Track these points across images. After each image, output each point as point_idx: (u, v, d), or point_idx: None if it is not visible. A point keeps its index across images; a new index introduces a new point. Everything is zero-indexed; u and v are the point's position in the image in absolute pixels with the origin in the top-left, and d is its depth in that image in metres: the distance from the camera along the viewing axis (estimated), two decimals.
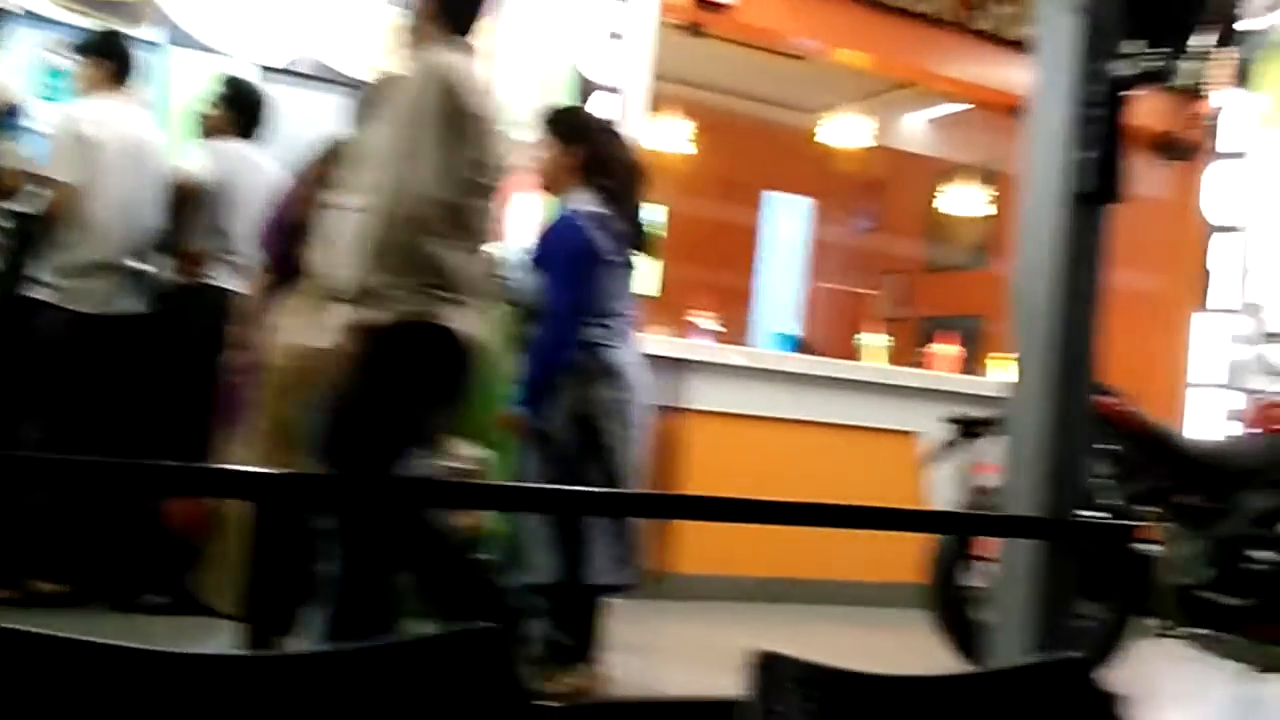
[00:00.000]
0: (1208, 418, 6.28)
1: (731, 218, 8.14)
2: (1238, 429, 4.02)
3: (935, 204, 8.24)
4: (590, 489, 3.19)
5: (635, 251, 3.60)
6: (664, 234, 5.11)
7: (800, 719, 1.12)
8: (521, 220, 4.49)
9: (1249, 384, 6.25)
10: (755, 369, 5.25)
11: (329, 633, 2.62)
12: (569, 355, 3.37)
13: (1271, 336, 7.36)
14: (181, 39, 4.67)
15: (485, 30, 3.00)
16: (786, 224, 7.07)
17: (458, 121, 2.65)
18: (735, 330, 6.45)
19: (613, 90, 4.82)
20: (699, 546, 4.94)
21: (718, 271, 7.47)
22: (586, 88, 4.79)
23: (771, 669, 1.15)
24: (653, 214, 3.64)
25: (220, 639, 2.90)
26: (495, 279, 3.53)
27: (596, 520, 3.31)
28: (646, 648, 4.07)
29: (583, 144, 3.57)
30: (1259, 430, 3.87)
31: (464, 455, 3.53)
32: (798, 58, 6.28)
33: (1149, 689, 4.29)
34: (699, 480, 4.94)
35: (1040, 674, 1.34)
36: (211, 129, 4.22)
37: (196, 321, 3.96)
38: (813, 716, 1.12)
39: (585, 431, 3.38)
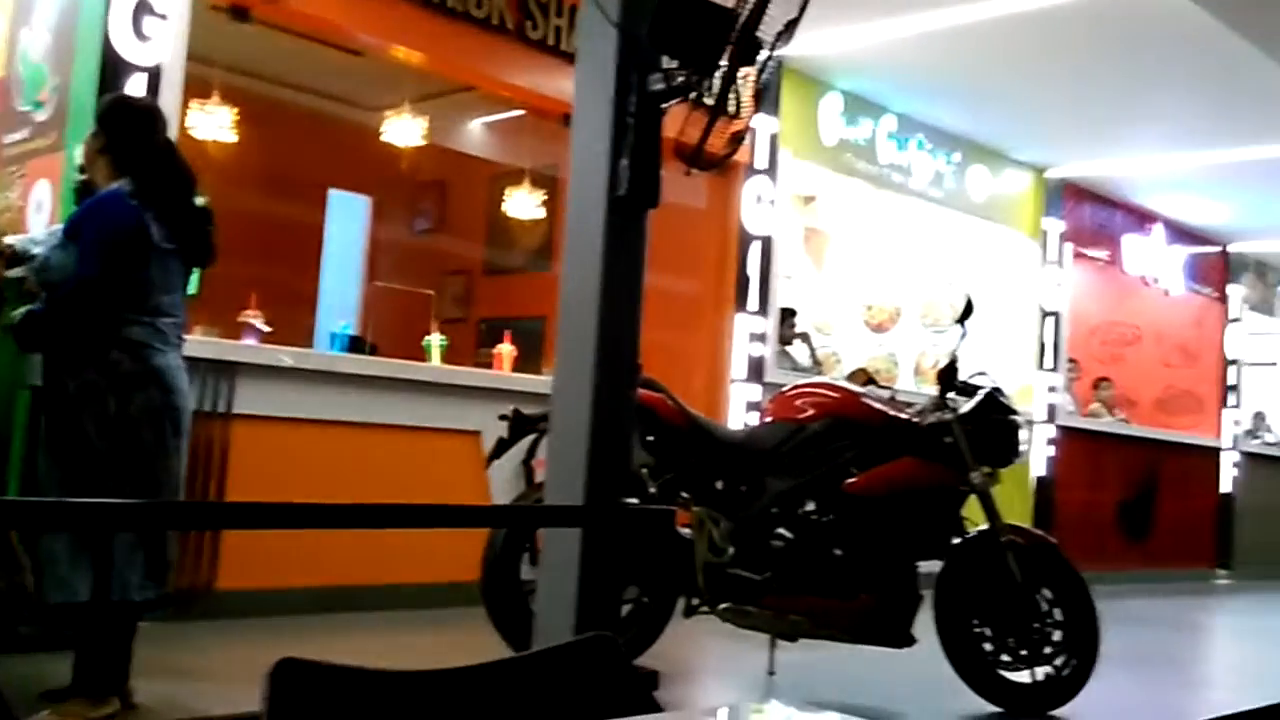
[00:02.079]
0: (742, 409, 6.88)
1: (289, 214, 7.83)
2: (765, 419, 4.40)
3: (495, 206, 8.40)
4: (121, 500, 2.92)
5: (191, 248, 3.35)
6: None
7: None
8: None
9: (772, 378, 6.94)
10: (308, 370, 5.06)
11: None
12: (68, 330, 3.09)
13: (800, 336, 8.22)
14: None
15: None
16: (345, 222, 6.91)
17: None
18: (295, 331, 6.20)
19: (149, 72, 4.45)
20: (246, 559, 4.69)
21: (275, 269, 7.15)
22: (118, 68, 4.39)
23: (289, 677, 1.09)
24: (204, 214, 3.39)
25: None
26: None
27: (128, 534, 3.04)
28: (187, 671, 3.80)
29: (117, 129, 3.30)
30: (780, 419, 4.26)
31: None
32: (357, 53, 6.14)
33: (687, 664, 4.62)
34: (247, 489, 4.68)
35: (569, 655, 1.37)
36: None
37: None
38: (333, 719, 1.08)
39: (124, 439, 3.10)
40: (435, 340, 5.92)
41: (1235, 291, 11.48)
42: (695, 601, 4.08)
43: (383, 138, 7.27)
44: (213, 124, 6.56)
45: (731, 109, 3.51)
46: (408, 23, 5.50)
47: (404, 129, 7.15)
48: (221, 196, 4.08)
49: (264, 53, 6.48)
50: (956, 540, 4.12)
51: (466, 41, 5.69)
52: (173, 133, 3.95)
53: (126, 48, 4.42)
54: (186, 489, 3.56)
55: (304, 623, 4.63)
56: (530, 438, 4.13)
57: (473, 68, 5.96)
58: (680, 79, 3.23)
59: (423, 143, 7.30)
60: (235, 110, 6.70)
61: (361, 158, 7.80)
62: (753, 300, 7.03)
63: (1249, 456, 11.43)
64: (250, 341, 5.15)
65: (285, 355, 5.01)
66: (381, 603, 5.05)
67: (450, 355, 6.03)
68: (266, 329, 5.32)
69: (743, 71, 3.47)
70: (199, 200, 3.39)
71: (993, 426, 4.16)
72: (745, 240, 7.02)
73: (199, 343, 4.50)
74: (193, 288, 3.62)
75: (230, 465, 4.75)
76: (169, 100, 4.52)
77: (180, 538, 3.44)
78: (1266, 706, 4.56)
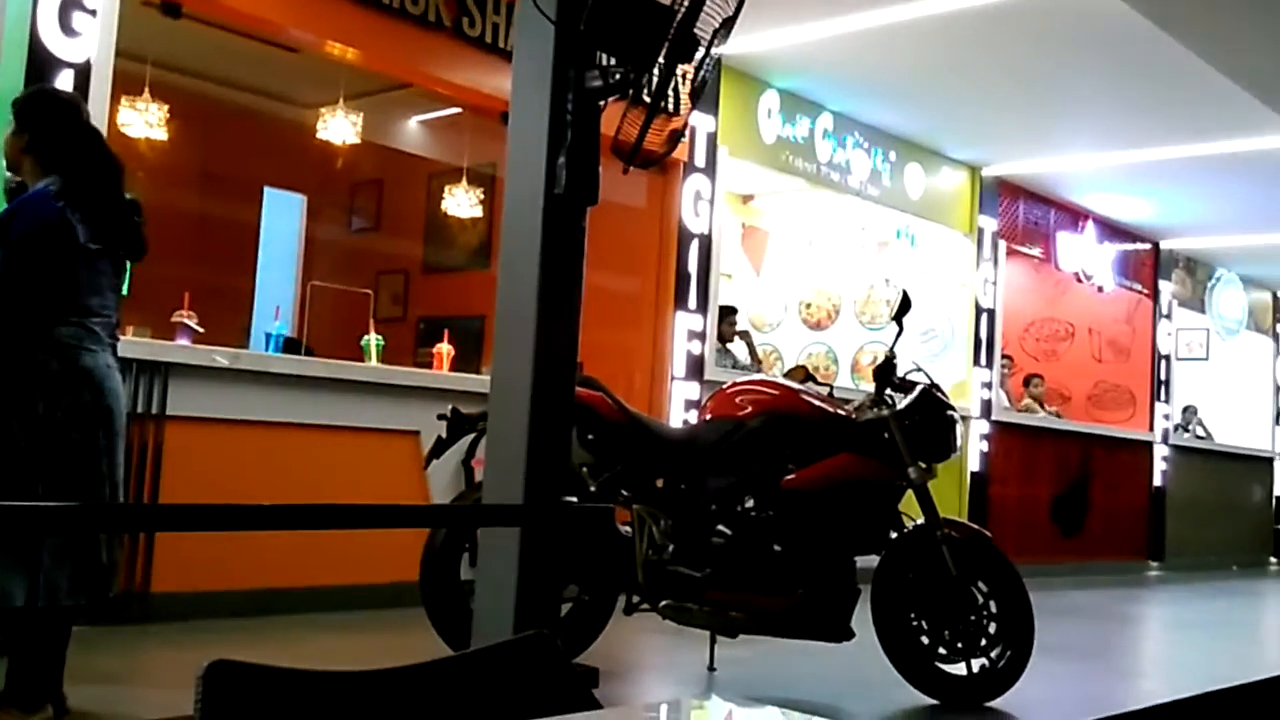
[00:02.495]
0: (682, 407, 6.90)
1: (222, 213, 7.72)
2: (704, 416, 4.42)
3: (433, 205, 8.35)
4: (45, 504, 2.85)
5: (121, 244, 3.28)
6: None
7: None
8: None
9: (712, 376, 6.97)
10: (242, 371, 4.99)
11: None
12: None
13: (740, 334, 8.27)
14: None
15: None
16: (281, 221, 6.83)
17: None
18: (230, 331, 6.10)
19: (78, 68, 4.36)
20: (181, 562, 4.62)
21: (208, 269, 7.05)
22: (46, 64, 4.29)
23: (222, 679, 1.07)
24: (133, 207, 3.33)
25: None
26: None
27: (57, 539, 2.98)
28: (122, 676, 3.73)
29: (39, 125, 3.24)
30: (719, 416, 4.28)
31: None
32: (291, 50, 6.07)
33: (627, 661, 4.63)
34: (181, 491, 4.61)
35: (507, 654, 1.37)
36: None
37: None
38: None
39: (51, 441, 3.03)
40: (373, 340, 5.86)
41: (1166, 288, 11.74)
42: (635, 599, 4.09)
43: (318, 135, 7.19)
44: (144, 122, 6.45)
45: (670, 107, 3.52)
46: (343, 19, 5.44)
47: (340, 127, 7.08)
48: (154, 195, 4.02)
49: (196, 49, 6.38)
50: (894, 535, 4.17)
51: (402, 38, 5.65)
52: (103, 131, 3.87)
53: (54, 43, 4.33)
54: (123, 490, 3.49)
55: (241, 626, 4.58)
56: (469, 437, 4.11)
57: (409, 65, 5.92)
58: (618, 76, 3.23)
59: (359, 141, 7.23)
60: (167, 108, 6.60)
61: (297, 156, 7.71)
62: (692, 298, 7.05)
63: (1179, 450, 11.70)
64: (183, 342, 5.06)
65: (220, 356, 4.94)
66: (320, 605, 5.00)
67: (388, 355, 5.98)
68: (200, 329, 5.24)
69: (680, 69, 3.47)
70: (128, 194, 3.33)
71: (929, 422, 4.21)
72: (684, 238, 7.04)
73: (131, 343, 4.43)
74: (124, 286, 3.56)
75: (164, 467, 4.68)
76: (99, 97, 4.43)
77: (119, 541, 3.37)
78: (1197, 695, 4.67)
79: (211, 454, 4.83)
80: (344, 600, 5.08)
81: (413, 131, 8.13)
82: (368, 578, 5.07)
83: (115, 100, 5.43)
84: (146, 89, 6.50)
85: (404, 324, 8.51)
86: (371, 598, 5.08)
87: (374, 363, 5.78)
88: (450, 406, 4.12)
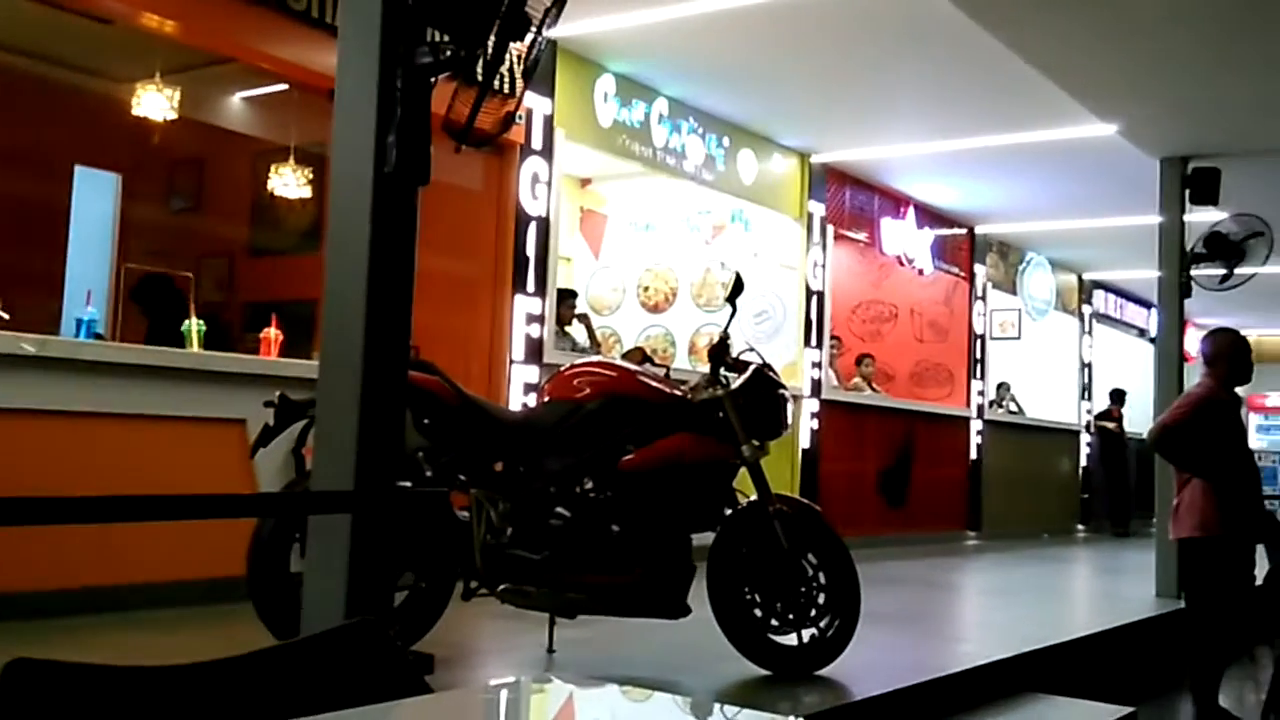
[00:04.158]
0: (520, 390, 6.87)
1: (29, 193, 7.27)
2: (543, 399, 4.40)
3: (258, 185, 8.06)
4: None
5: None
6: None
7: None
8: None
9: (551, 358, 6.96)
10: (52, 359, 4.72)
11: None
12: None
13: (579, 318, 8.28)
14: None
15: None
16: (93, 201, 6.48)
17: None
18: (38, 317, 5.76)
19: None
20: None
21: (14, 252, 6.64)
22: None
23: (21, 677, 1.01)
24: None
25: None
26: None
27: None
28: None
29: None
30: (557, 399, 4.27)
31: None
32: (105, 21, 5.76)
33: (465, 646, 4.59)
34: None
35: (333, 642, 1.33)
36: None
37: None
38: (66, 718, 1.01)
39: None
40: (194, 325, 5.63)
41: (980, 271, 12.30)
42: (473, 584, 4.06)
43: (134, 111, 6.84)
44: None
45: (505, 88, 3.49)
46: None
47: (157, 102, 6.75)
48: None
49: (1, 19, 5.99)
50: (728, 512, 4.24)
51: (223, 12, 5.43)
52: None
53: None
54: None
55: (54, 627, 4.34)
56: (299, 424, 3.99)
57: (231, 39, 5.69)
58: (449, 53, 3.17)
59: (176, 117, 6.92)
60: None
61: (111, 133, 7.32)
62: (530, 281, 7.02)
63: (993, 425, 12.29)
64: None
65: (27, 343, 4.66)
66: (141, 603, 4.79)
67: (212, 340, 5.75)
68: (4, 315, 4.94)
69: (513, 48, 3.44)
70: None
71: (761, 401, 4.30)
72: (522, 221, 7.00)
73: None
74: None
75: None
76: None
77: None
78: (1011, 657, 4.93)
79: (19, 448, 4.56)
80: (166, 597, 4.88)
81: (236, 108, 7.82)
82: (191, 573, 4.88)
83: None
84: None
85: (229, 309, 8.20)
86: (196, 593, 4.89)
87: (195, 349, 5.55)
88: (278, 393, 3.99)
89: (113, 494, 1.65)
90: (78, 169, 7.13)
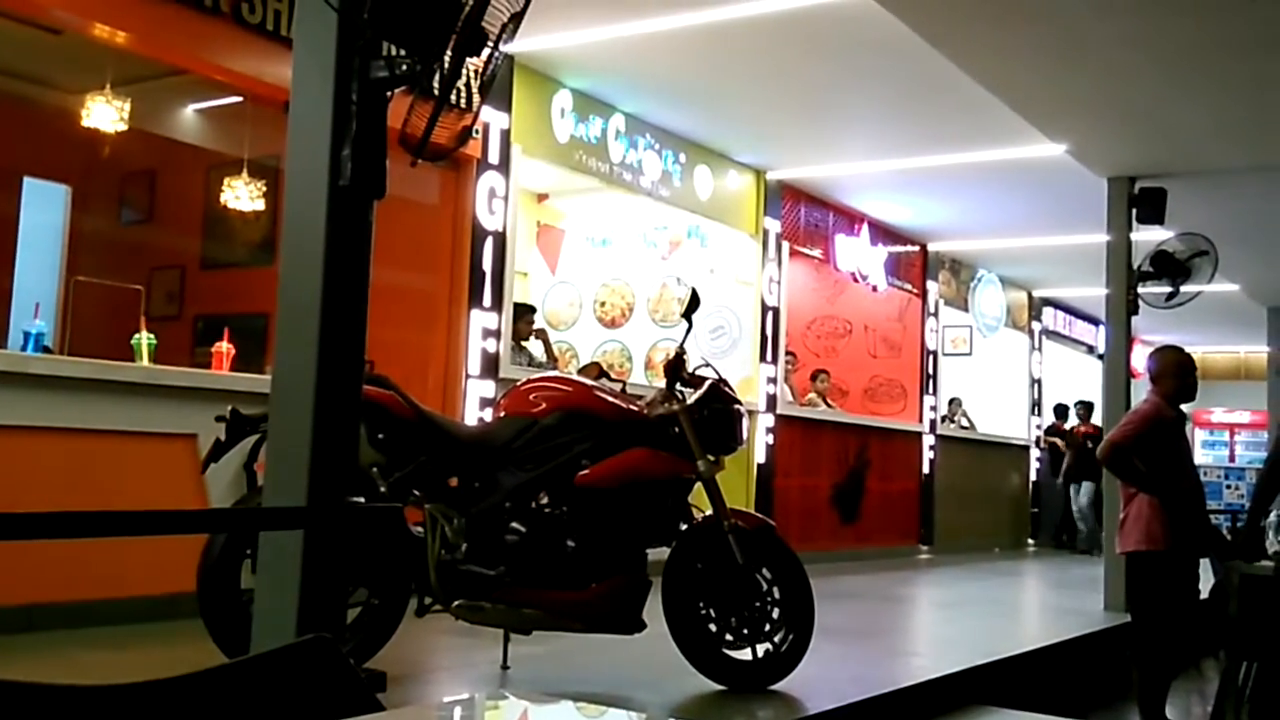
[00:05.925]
0: (477, 406, 6.85)
1: None
2: (499, 414, 4.38)
3: (211, 198, 7.97)
4: None
5: None
6: None
7: None
8: None
9: (508, 373, 6.94)
10: None
11: None
12: None
13: (536, 333, 8.26)
14: None
15: None
16: (42, 213, 6.39)
17: None
18: None
19: None
20: None
21: None
22: None
23: None
24: None
25: None
26: None
27: None
28: None
29: None
30: (513, 414, 4.26)
31: None
32: (55, 31, 5.68)
33: (419, 664, 4.56)
34: None
35: (283, 660, 1.32)
36: None
37: None
38: None
39: None
40: (144, 338, 5.55)
41: (933, 288, 12.43)
42: (428, 600, 4.03)
43: (84, 122, 6.75)
44: None
45: (461, 102, 3.49)
46: (111, 0, 5.14)
47: (107, 113, 6.66)
48: None
49: None
50: (684, 527, 4.25)
51: (176, 23, 5.37)
52: None
53: None
54: None
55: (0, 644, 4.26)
56: (251, 439, 3.95)
57: (183, 51, 5.64)
58: (405, 67, 3.17)
59: (127, 128, 6.83)
60: None
61: (60, 144, 7.22)
62: (487, 296, 7.00)
63: (945, 440, 12.41)
64: None
65: None
66: (88, 620, 4.71)
67: (162, 354, 5.67)
68: None
69: (470, 63, 3.44)
70: None
71: (717, 416, 4.32)
72: (479, 236, 6.99)
73: None
74: None
75: None
76: None
77: None
78: (963, 670, 4.97)
79: None
80: (116, 614, 4.80)
81: (189, 120, 7.74)
82: (141, 589, 4.81)
83: None
84: None
85: (180, 322, 8.10)
86: (145, 610, 4.82)
87: (145, 363, 5.47)
88: (230, 407, 3.95)
89: (61, 509, 1.62)
90: (26, 180, 7.02)
